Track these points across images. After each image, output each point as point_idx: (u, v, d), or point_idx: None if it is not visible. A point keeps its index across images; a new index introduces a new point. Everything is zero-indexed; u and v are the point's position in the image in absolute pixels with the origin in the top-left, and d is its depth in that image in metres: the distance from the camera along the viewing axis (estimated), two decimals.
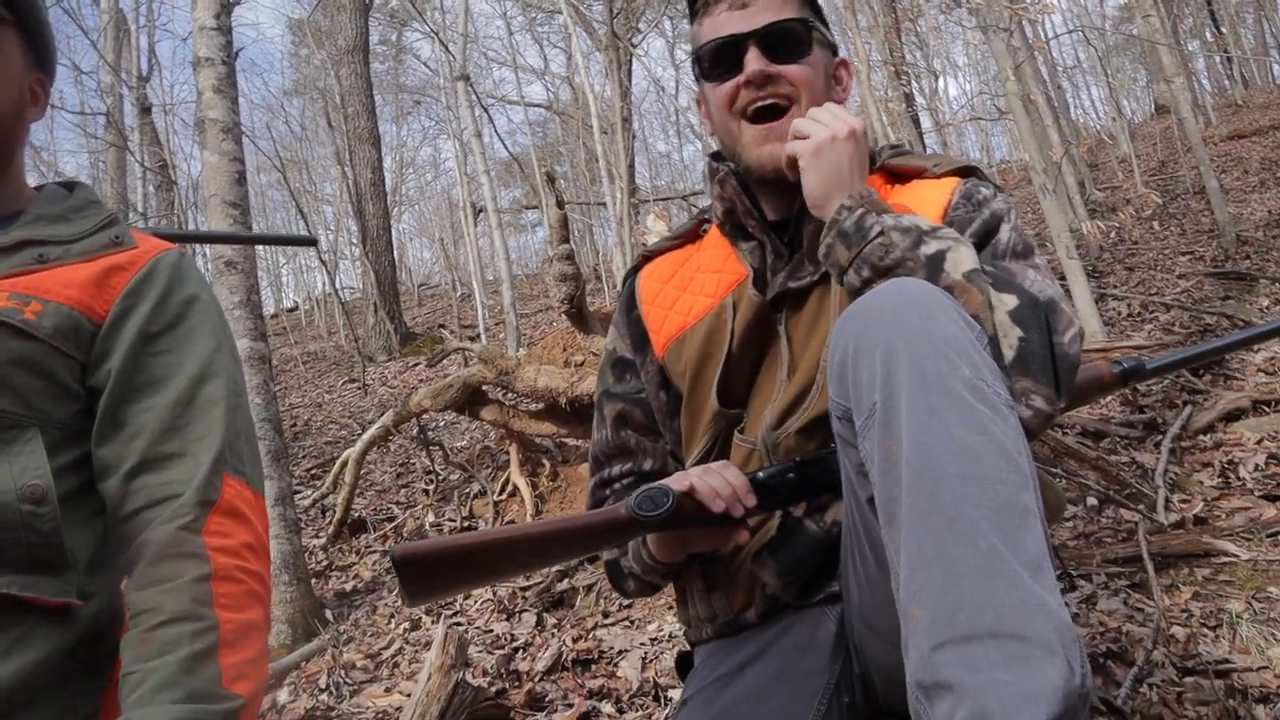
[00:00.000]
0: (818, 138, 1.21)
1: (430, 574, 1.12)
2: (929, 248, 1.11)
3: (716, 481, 1.20)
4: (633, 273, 1.58)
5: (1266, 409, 3.93)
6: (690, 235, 1.56)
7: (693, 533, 1.26)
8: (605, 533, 1.20)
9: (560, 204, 3.91)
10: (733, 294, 1.42)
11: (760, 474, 1.24)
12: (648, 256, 1.59)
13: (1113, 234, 8.57)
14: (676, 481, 1.21)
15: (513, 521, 4.60)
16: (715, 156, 1.43)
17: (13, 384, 0.94)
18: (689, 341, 1.43)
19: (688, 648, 1.53)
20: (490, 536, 1.17)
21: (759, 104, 1.33)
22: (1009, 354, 1.05)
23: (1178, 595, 2.70)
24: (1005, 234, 1.25)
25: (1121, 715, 1.27)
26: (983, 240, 1.25)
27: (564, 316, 4.11)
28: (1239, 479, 3.46)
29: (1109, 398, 4.49)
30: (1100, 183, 12.58)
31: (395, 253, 14.17)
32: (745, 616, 1.36)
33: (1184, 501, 3.34)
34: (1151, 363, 1.19)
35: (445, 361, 7.72)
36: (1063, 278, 5.86)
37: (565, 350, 4.49)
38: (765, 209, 1.40)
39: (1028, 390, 1.06)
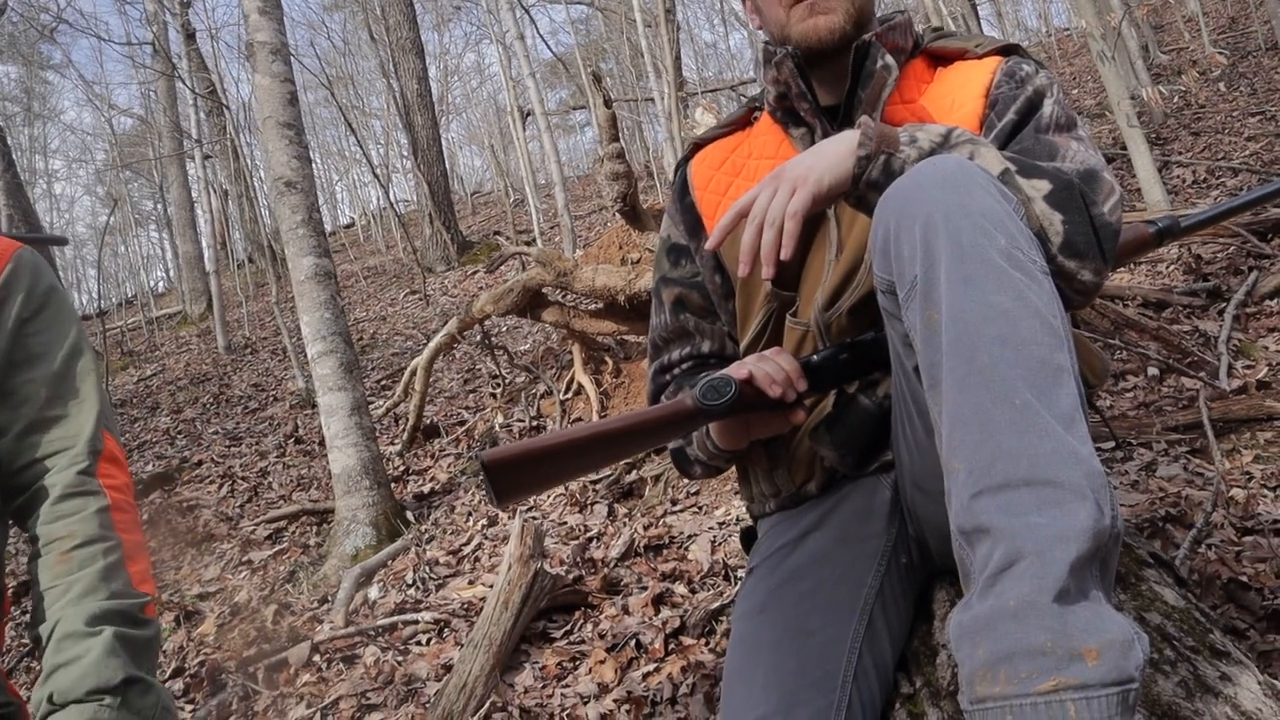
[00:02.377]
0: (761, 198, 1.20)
1: (516, 475, 1.20)
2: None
3: (771, 368, 1.26)
4: (684, 161, 1.62)
5: None
6: (741, 122, 1.59)
7: (753, 418, 1.33)
8: (673, 424, 1.27)
9: (608, 103, 3.91)
10: None
11: (813, 358, 1.30)
12: (698, 144, 1.62)
13: (1177, 98, 8.29)
14: (735, 370, 1.27)
15: (580, 419, 4.71)
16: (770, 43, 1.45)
17: None
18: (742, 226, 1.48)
19: (751, 523, 1.61)
20: (568, 436, 1.24)
21: None
22: (1056, 241, 1.09)
23: (1238, 459, 2.72)
24: (1048, 108, 1.27)
25: (1168, 566, 1.32)
26: (1026, 116, 1.28)
27: (618, 215, 4.14)
28: None
29: (1171, 267, 4.44)
30: (1165, 45, 12.08)
31: (446, 162, 14.16)
32: (806, 489, 1.43)
33: (1248, 368, 3.32)
34: (1186, 219, 1.21)
35: (503, 267, 7.79)
36: (1123, 147, 5.73)
37: (621, 248, 4.54)
38: (819, 93, 1.42)
39: (1077, 269, 1.10)
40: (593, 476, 3.92)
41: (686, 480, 3.64)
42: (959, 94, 1.36)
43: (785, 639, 1.23)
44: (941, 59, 1.43)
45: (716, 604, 2.68)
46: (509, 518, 3.89)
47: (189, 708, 2.91)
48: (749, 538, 1.58)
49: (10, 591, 1.23)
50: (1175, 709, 1.00)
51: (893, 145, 1.16)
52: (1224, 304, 3.87)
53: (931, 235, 0.99)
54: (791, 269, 1.43)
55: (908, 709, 1.21)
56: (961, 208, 0.99)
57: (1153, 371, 3.49)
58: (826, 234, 1.40)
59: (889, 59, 1.35)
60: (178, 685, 3.07)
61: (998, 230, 0.98)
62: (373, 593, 3.55)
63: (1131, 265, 4.59)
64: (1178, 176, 6.16)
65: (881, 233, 1.07)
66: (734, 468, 1.56)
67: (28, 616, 1.17)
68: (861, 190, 1.17)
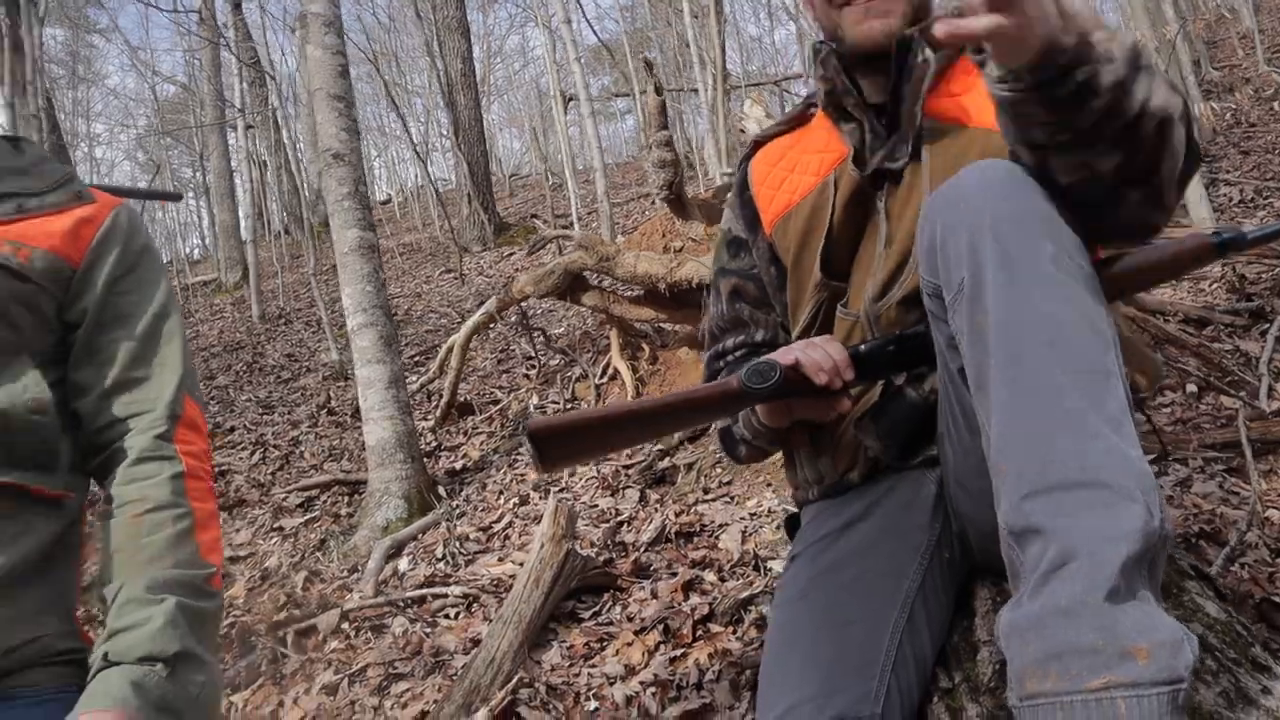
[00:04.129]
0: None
1: (561, 445, 1.24)
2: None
3: (819, 355, 1.28)
4: (746, 158, 1.65)
5: None
6: (798, 120, 1.61)
7: (798, 403, 1.35)
8: (718, 404, 1.29)
9: (659, 90, 3.93)
10: (835, 171, 1.47)
11: (861, 348, 1.31)
12: (759, 142, 1.65)
13: (1228, 115, 8.20)
14: (782, 355, 1.28)
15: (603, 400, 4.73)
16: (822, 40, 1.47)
17: (11, 317, 1.13)
18: (795, 217, 1.50)
19: (795, 509, 1.62)
20: (614, 410, 1.27)
21: None
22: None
23: (1274, 480, 2.71)
24: None
25: (1208, 580, 1.33)
26: None
27: (662, 203, 4.16)
28: None
29: (1214, 285, 4.40)
30: (1217, 61, 11.93)
31: (486, 143, 14.19)
32: (849, 478, 1.45)
33: None
34: (1252, 232, 1.20)
35: (541, 251, 7.83)
36: None
37: (664, 236, 4.55)
38: (866, 90, 1.44)
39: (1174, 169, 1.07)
40: (625, 461, 3.94)
41: (719, 469, 3.65)
42: None
43: (825, 626, 1.24)
44: None
45: (746, 593, 2.69)
46: (541, 498, 3.92)
47: (220, 668, 2.96)
48: (793, 524, 1.60)
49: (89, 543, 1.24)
50: (1217, 718, 1.01)
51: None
52: (1267, 325, 3.84)
53: (979, 240, 1.00)
54: (842, 259, 1.45)
55: (946, 703, 1.22)
56: (1009, 213, 1.00)
57: (1191, 388, 3.47)
58: (877, 227, 1.41)
59: (928, 53, 1.37)
60: None
61: (1045, 236, 0.99)
62: (402, 565, 3.59)
63: (1174, 282, 4.56)
64: (1224, 195, 6.10)
65: (928, 237, 1.08)
66: (779, 453, 1.58)
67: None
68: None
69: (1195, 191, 5.10)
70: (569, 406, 4.94)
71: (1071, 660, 0.81)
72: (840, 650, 1.20)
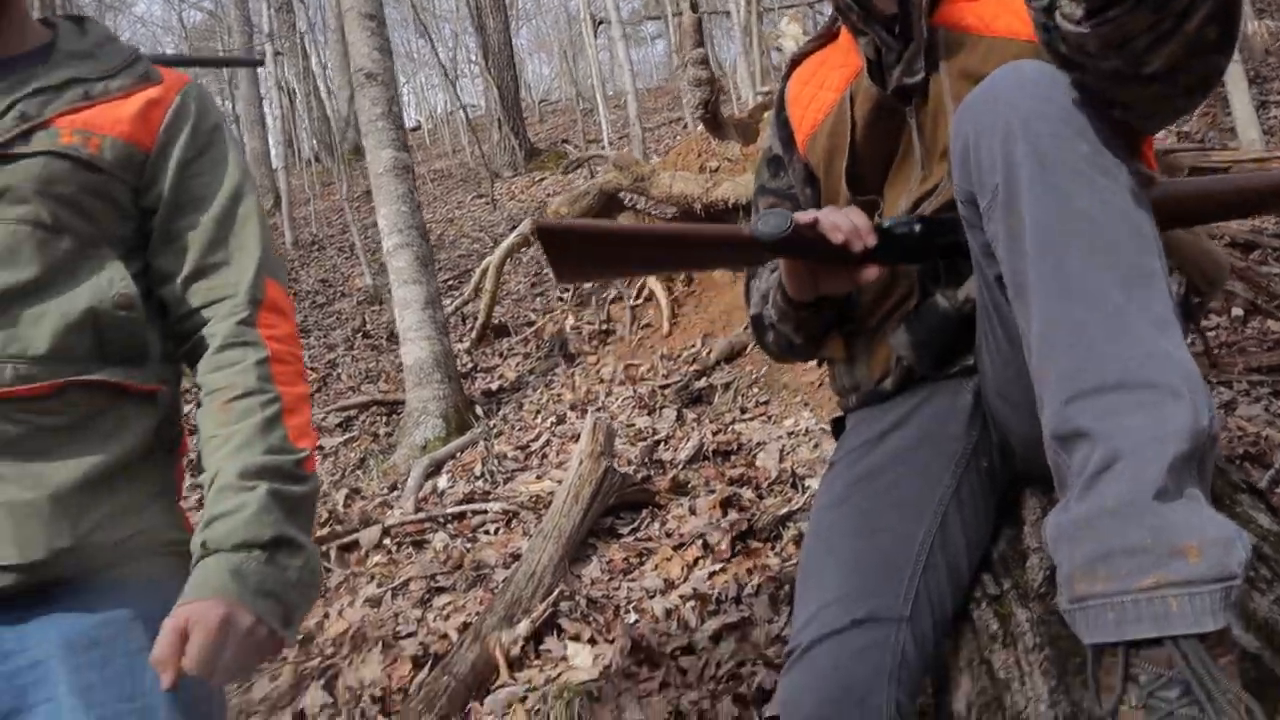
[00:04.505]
0: None
1: (570, 250, 1.23)
2: None
3: (839, 217, 1.24)
4: (785, 77, 1.61)
5: None
6: (829, 35, 1.56)
7: (819, 269, 1.32)
8: (730, 246, 1.27)
9: (694, 6, 3.85)
10: (851, 86, 1.43)
11: (885, 222, 1.28)
12: (795, 61, 1.61)
13: None
14: (802, 214, 1.25)
15: (649, 325, 4.73)
16: None
17: (86, 209, 1.10)
18: (820, 135, 1.47)
19: (841, 415, 1.62)
20: (627, 227, 1.28)
21: None
22: None
23: None
24: None
25: (1260, 494, 1.31)
26: None
27: (698, 123, 4.10)
28: None
29: None
30: None
31: (516, 68, 14.04)
32: (884, 386, 1.43)
33: None
34: None
35: (573, 174, 7.78)
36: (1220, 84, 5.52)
37: (699, 156, 4.50)
38: (879, 1, 1.38)
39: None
40: (661, 381, 3.95)
41: (756, 389, 3.66)
42: None
43: (858, 532, 1.24)
44: None
45: (784, 510, 2.71)
46: (578, 417, 3.95)
47: None
48: (839, 427, 1.60)
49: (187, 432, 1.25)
50: (1272, 624, 1.00)
51: None
52: None
53: (1011, 143, 0.96)
54: (873, 175, 1.42)
55: (994, 609, 1.22)
56: (1041, 114, 0.96)
57: (1238, 312, 3.41)
58: (910, 143, 1.38)
59: None
60: None
61: (1080, 135, 0.95)
62: (442, 482, 3.64)
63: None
64: (1274, 117, 5.93)
65: (960, 143, 1.05)
66: (813, 363, 1.56)
67: None
68: None
69: (1245, 113, 4.96)
70: (604, 327, 4.94)
71: (1121, 561, 0.80)
72: (871, 555, 1.20)
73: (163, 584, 1.04)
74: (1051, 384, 0.90)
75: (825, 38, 1.57)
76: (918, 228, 1.26)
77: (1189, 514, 0.80)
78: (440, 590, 2.83)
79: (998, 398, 1.24)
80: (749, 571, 2.52)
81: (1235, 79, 5.01)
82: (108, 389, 1.08)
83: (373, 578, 2.98)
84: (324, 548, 3.13)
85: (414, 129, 25.72)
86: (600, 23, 13.38)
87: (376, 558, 3.11)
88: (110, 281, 1.09)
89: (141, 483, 1.11)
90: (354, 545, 3.15)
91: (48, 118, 1.08)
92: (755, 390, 3.66)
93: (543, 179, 11.67)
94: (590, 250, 1.24)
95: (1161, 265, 0.93)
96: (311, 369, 5.82)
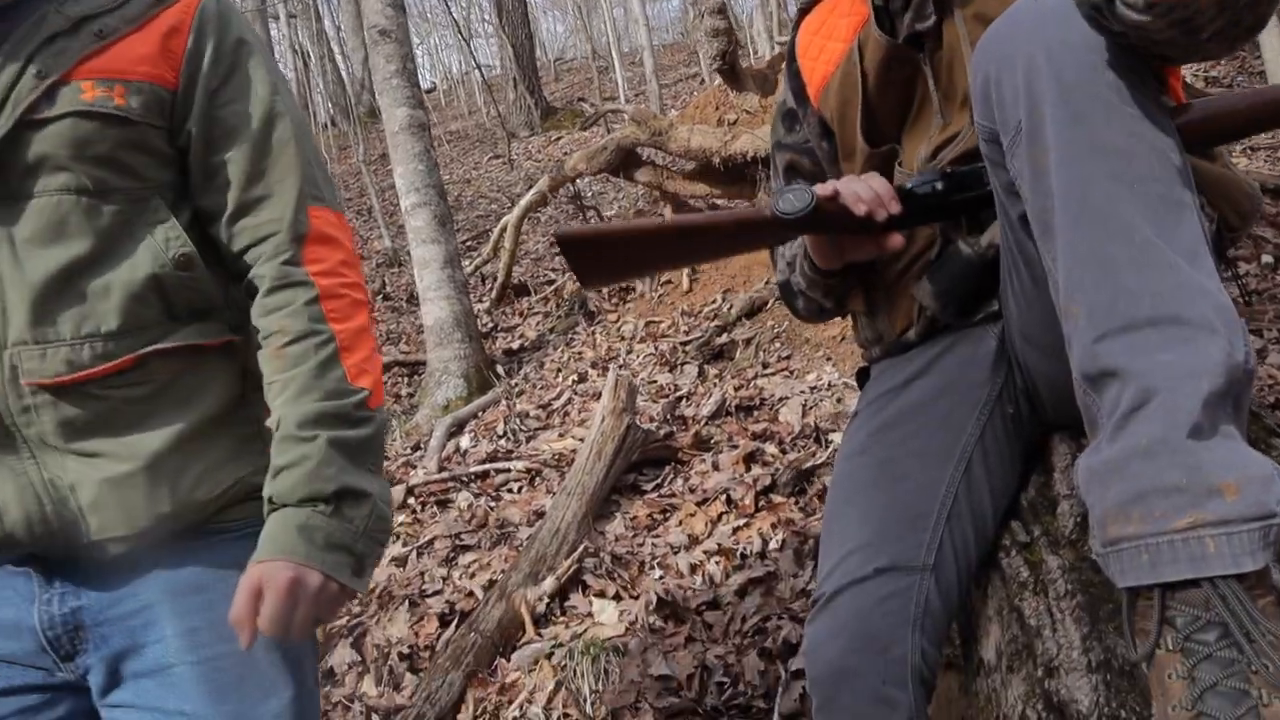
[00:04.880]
0: None
1: (593, 255, 1.22)
2: None
3: (860, 187, 1.21)
4: (795, 26, 1.57)
5: None
6: None
7: (846, 241, 1.30)
8: (751, 230, 1.24)
9: None
10: (859, 35, 1.39)
11: (908, 183, 1.25)
12: (804, 9, 1.56)
13: None
14: (822, 186, 1.23)
15: (669, 281, 4.70)
16: None
17: (126, 163, 1.05)
18: (832, 87, 1.42)
19: (866, 365, 1.60)
20: (645, 224, 1.24)
21: None
22: None
23: None
24: None
25: None
26: None
27: (715, 75, 4.05)
28: None
29: None
30: None
31: (530, 27, 13.92)
32: (907, 337, 1.41)
33: None
34: None
35: (589, 134, 7.73)
36: None
37: (718, 109, 4.44)
38: None
39: None
40: (682, 337, 3.93)
41: (778, 344, 3.63)
42: None
43: (881, 480, 1.23)
44: None
45: (808, 464, 2.70)
46: (599, 375, 3.94)
47: None
48: (863, 378, 1.58)
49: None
50: None
51: None
52: None
53: (1034, 76, 0.93)
54: (889, 125, 1.38)
55: (1024, 556, 1.20)
56: (1065, 44, 0.92)
57: (1267, 259, 3.36)
58: (927, 91, 1.34)
59: None
60: None
61: (1106, 65, 0.91)
62: (464, 442, 3.65)
63: (1250, 148, 4.40)
64: None
65: (981, 78, 1.01)
66: (840, 318, 1.54)
67: None
68: None
69: (1276, 56, 4.85)
70: (623, 286, 4.92)
71: (1155, 501, 0.77)
72: (894, 503, 1.19)
73: (259, 529, 1.02)
74: (1079, 322, 0.87)
75: None
76: (940, 185, 1.23)
77: (1225, 451, 0.77)
78: (465, 548, 2.85)
79: (1023, 341, 1.21)
80: (773, 526, 2.52)
81: (1269, 28, 4.89)
82: (185, 351, 1.06)
83: (398, 537, 2.99)
84: None
85: (429, 90, 25.60)
86: None
87: (401, 517, 3.12)
88: (167, 242, 1.05)
89: (233, 430, 1.10)
90: None
91: (66, 70, 1.02)
92: (777, 345, 3.64)
93: (559, 138, 11.61)
94: (612, 253, 1.23)
95: (1192, 196, 0.89)
96: None
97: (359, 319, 1.13)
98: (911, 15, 1.31)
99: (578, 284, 1.29)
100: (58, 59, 1.02)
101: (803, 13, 1.56)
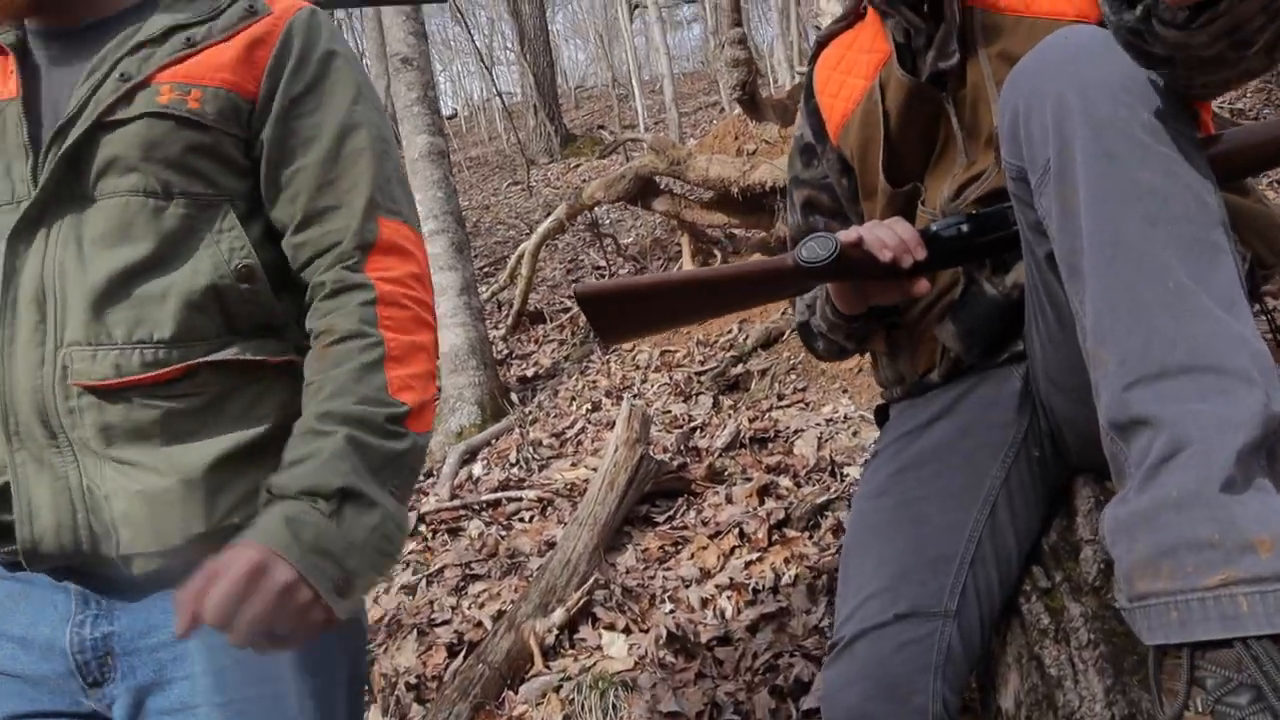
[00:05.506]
0: None
1: (613, 313, 1.20)
2: None
3: (885, 233, 1.19)
4: (812, 59, 1.55)
5: None
6: (854, 15, 1.48)
7: (870, 286, 1.28)
8: (774, 280, 1.21)
9: None
10: (880, 74, 1.36)
11: (932, 227, 1.23)
12: (821, 43, 1.54)
13: None
14: (846, 232, 1.20)
15: None
16: None
17: (196, 168, 1.02)
18: (852, 125, 1.40)
19: (885, 404, 1.57)
20: (667, 278, 1.22)
21: None
22: None
23: None
24: None
25: None
26: None
27: (735, 104, 4.05)
28: None
29: None
30: None
31: (551, 55, 14.02)
32: (930, 378, 1.38)
33: None
34: None
35: (608, 160, 7.76)
36: None
37: (737, 139, 4.45)
38: None
39: None
40: (697, 366, 3.92)
41: (794, 375, 3.61)
42: None
43: (902, 523, 1.20)
44: None
45: (823, 499, 2.67)
46: (613, 404, 3.92)
47: None
48: (882, 415, 1.55)
49: None
50: None
51: None
52: None
53: (1064, 113, 0.90)
54: (913, 164, 1.36)
55: (1045, 602, 1.18)
56: (1096, 82, 0.90)
57: None
58: (951, 130, 1.32)
59: None
60: None
61: (1139, 103, 0.89)
62: (477, 469, 3.63)
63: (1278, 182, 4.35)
64: None
65: (1009, 115, 0.99)
66: (861, 355, 1.52)
67: None
68: None
69: None
70: None
71: (1186, 556, 0.74)
72: (915, 547, 1.16)
73: None
74: (1109, 369, 0.84)
75: (852, 17, 1.49)
76: (965, 227, 1.21)
77: (1260, 505, 0.74)
78: (475, 578, 2.82)
79: (1048, 384, 1.19)
80: (786, 561, 2.49)
81: None
82: (241, 366, 1.01)
83: (408, 565, 2.97)
84: None
85: (450, 116, 25.81)
86: (636, 6, 13.33)
87: (412, 545, 3.10)
88: (231, 253, 1.02)
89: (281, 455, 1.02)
90: None
91: (148, 74, 1.00)
92: (793, 377, 3.62)
93: (578, 165, 11.65)
94: (632, 308, 1.20)
95: (1227, 238, 0.86)
96: None
97: (419, 336, 1.06)
98: (935, 54, 1.29)
99: (599, 342, 1.26)
100: (142, 64, 1.01)
101: (820, 46, 1.54)
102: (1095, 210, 0.87)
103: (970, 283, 1.29)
